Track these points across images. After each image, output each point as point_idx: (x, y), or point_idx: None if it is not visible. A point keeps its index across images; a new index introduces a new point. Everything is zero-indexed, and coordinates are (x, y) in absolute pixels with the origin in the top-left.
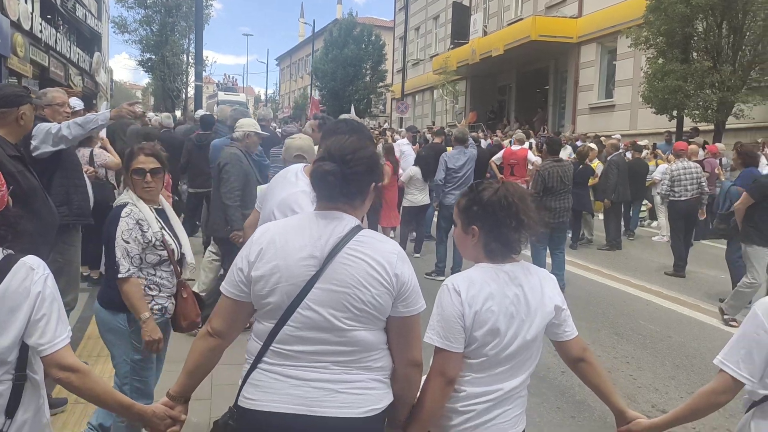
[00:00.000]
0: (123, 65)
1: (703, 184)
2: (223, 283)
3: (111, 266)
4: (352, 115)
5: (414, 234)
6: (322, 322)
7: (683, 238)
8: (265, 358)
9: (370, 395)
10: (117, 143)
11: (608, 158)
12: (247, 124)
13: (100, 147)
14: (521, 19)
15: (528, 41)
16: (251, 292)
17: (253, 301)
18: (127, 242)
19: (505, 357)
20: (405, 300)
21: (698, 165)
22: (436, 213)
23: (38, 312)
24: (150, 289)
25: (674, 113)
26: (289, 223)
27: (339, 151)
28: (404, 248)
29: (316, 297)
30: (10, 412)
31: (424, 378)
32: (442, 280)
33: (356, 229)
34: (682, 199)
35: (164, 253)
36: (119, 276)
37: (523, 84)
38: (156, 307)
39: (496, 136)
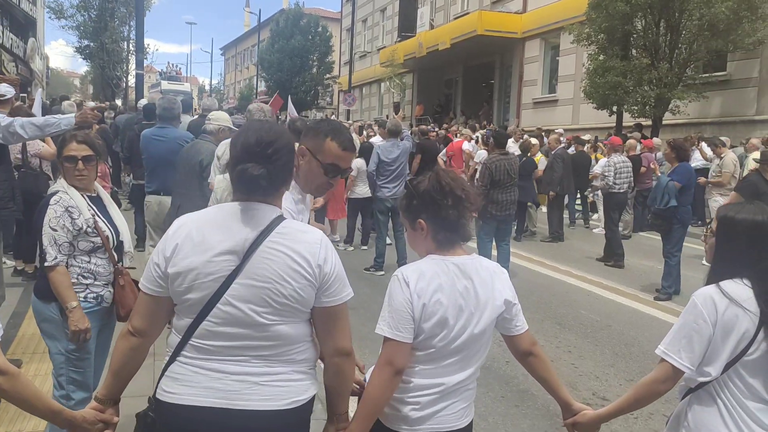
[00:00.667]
0: (60, 52)
1: (631, 177)
2: (141, 278)
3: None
4: (291, 109)
5: (360, 226)
6: (242, 318)
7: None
8: (184, 352)
9: (293, 387)
10: None
11: (553, 152)
12: (223, 119)
13: None
14: (467, 13)
15: (474, 35)
16: (169, 288)
17: (171, 297)
18: (55, 230)
19: (453, 349)
20: (329, 290)
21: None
22: None
23: None
24: (84, 277)
25: (614, 108)
26: (206, 217)
27: (257, 146)
28: (351, 240)
29: (236, 293)
30: None
31: (371, 370)
32: (382, 274)
33: (277, 220)
34: (621, 191)
35: (98, 240)
36: (46, 264)
37: (470, 78)
38: (91, 295)
39: (442, 129)
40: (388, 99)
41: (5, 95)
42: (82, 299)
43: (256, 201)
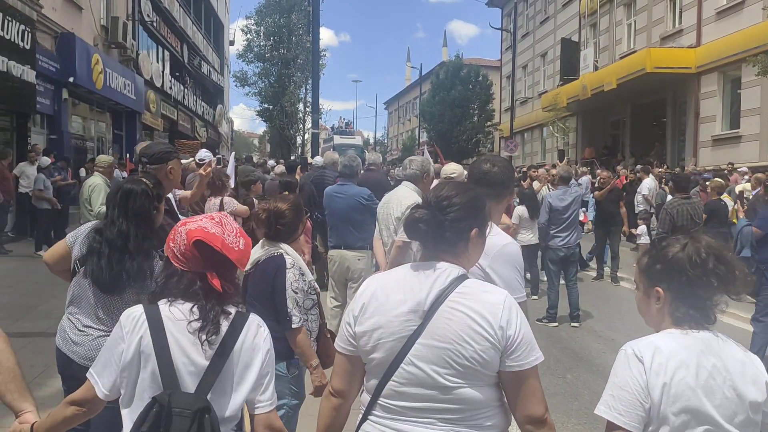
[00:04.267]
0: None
1: None
2: (336, 339)
3: (267, 316)
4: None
5: (528, 275)
6: (425, 379)
7: None
8: (374, 411)
9: None
10: (240, 190)
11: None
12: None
13: (229, 196)
14: (634, 51)
15: (643, 74)
16: (357, 348)
17: (360, 356)
18: (296, 293)
19: None
20: (514, 353)
21: None
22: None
23: (265, 368)
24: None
25: None
26: (391, 277)
27: (435, 198)
28: (536, 290)
29: (419, 353)
30: None
31: None
32: (555, 326)
33: (459, 279)
34: None
35: (315, 297)
36: (293, 326)
37: (638, 117)
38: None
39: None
40: (551, 143)
41: (204, 160)
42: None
43: (437, 259)
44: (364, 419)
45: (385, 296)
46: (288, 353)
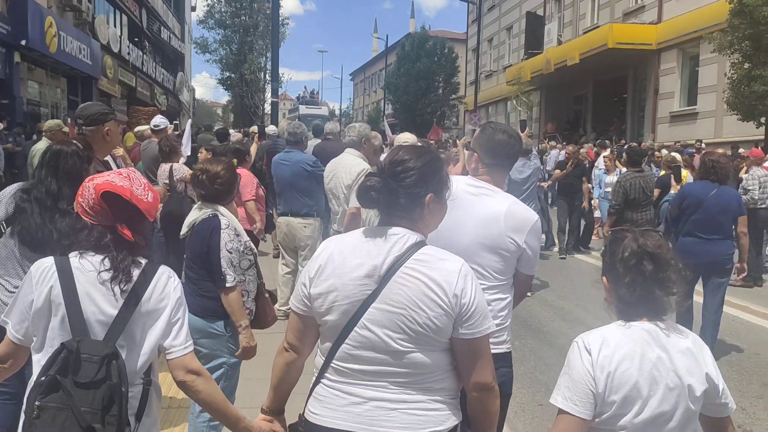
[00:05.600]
0: (203, 83)
1: None
2: (291, 297)
3: (203, 276)
4: (387, 131)
5: None
6: (378, 343)
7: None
8: (326, 374)
9: (432, 416)
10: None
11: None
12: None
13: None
14: (598, 26)
15: (605, 49)
16: (312, 308)
17: (315, 317)
18: (231, 252)
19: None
20: (467, 321)
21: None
22: None
23: (175, 315)
24: (242, 295)
25: (762, 120)
26: (348, 240)
27: (389, 163)
28: None
29: (373, 317)
30: (139, 416)
31: None
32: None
33: (417, 246)
34: (764, 206)
35: (252, 257)
36: (227, 285)
37: (600, 93)
38: (245, 311)
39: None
40: (515, 117)
41: (160, 125)
42: None
43: (394, 224)
44: (317, 382)
45: (341, 259)
46: (225, 312)
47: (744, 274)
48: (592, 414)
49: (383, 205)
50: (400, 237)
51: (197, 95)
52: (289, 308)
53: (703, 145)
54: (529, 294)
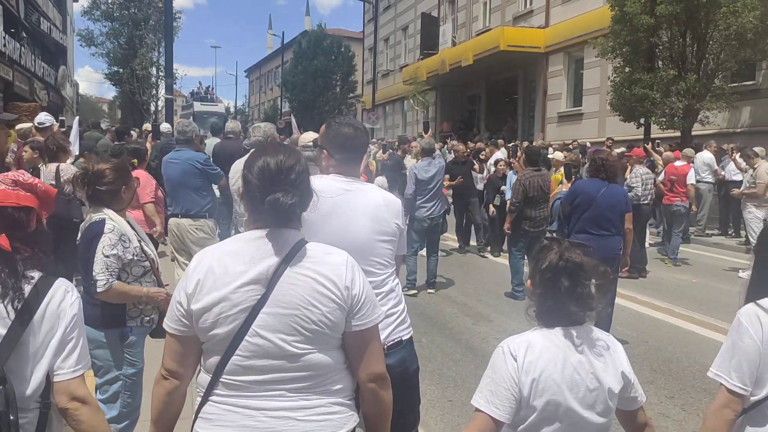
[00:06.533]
0: (87, 78)
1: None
2: (165, 319)
3: (91, 282)
4: (294, 127)
5: None
6: (272, 349)
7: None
8: (216, 390)
9: (332, 420)
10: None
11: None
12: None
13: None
14: (490, 29)
15: (497, 51)
16: (194, 326)
17: (198, 335)
18: (107, 257)
19: None
20: (359, 312)
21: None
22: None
23: (69, 334)
24: (138, 302)
25: (642, 121)
26: (226, 248)
27: (280, 175)
28: None
29: (264, 323)
30: None
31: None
32: (414, 294)
33: (300, 244)
34: (646, 202)
35: (147, 264)
36: (100, 290)
37: (493, 94)
38: (145, 319)
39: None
40: (412, 117)
41: (45, 123)
42: (138, 324)
43: (276, 227)
44: (204, 401)
45: (222, 269)
46: (119, 321)
47: (627, 267)
48: (511, 418)
49: (253, 208)
50: (282, 237)
51: (81, 90)
52: None
53: (606, 145)
54: (432, 291)
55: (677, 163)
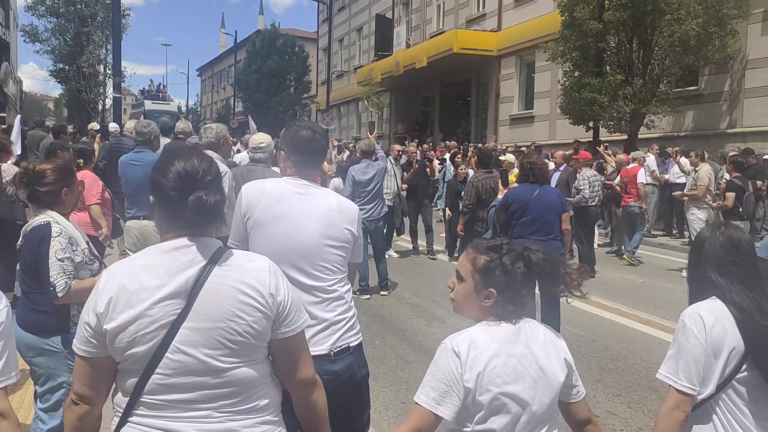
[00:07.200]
0: (31, 75)
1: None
2: (74, 340)
3: (35, 288)
4: (252, 126)
5: None
6: (195, 365)
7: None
8: (135, 411)
9: None
10: (30, 157)
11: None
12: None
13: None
14: (443, 32)
15: (450, 53)
16: (108, 347)
17: (113, 356)
18: (62, 260)
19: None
20: (285, 320)
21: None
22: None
23: None
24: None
25: (590, 124)
26: (137, 263)
27: (197, 176)
28: None
29: (186, 338)
30: None
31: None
32: (367, 298)
33: (219, 252)
34: (593, 204)
35: (95, 267)
36: (60, 295)
37: (447, 96)
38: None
39: (420, 148)
40: (366, 118)
41: None
42: None
43: (188, 236)
44: (123, 422)
45: (137, 284)
46: (63, 327)
47: None
48: (453, 415)
49: (170, 213)
50: (199, 247)
51: (25, 87)
52: None
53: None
54: (385, 293)
55: (629, 166)
